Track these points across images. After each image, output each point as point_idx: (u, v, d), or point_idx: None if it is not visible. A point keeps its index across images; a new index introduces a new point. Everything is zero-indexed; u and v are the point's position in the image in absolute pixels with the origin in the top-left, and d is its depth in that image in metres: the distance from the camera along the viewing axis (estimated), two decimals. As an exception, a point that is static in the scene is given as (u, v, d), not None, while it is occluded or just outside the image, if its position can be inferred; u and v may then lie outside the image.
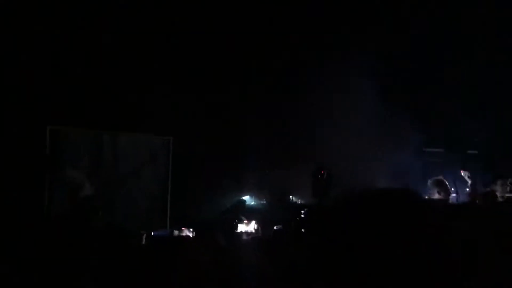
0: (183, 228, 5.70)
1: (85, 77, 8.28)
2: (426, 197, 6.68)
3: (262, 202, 9.39)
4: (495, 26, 9.48)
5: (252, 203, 9.35)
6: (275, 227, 5.39)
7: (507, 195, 6.83)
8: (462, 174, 7.95)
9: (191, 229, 5.59)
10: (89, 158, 8.11)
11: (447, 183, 6.82)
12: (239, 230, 6.02)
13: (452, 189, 8.87)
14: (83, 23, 8.13)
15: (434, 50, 10.00)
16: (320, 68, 8.99)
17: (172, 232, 5.73)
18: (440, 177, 6.71)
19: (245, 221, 6.03)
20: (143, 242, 5.02)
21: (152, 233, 5.26)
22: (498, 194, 6.74)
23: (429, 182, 6.59)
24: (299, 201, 9.48)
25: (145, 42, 8.44)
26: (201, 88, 8.83)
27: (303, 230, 4.27)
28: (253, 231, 5.89)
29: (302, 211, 5.64)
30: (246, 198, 9.33)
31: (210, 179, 8.91)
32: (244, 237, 5.30)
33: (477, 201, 6.77)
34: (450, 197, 7.67)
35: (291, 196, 9.52)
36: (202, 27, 8.77)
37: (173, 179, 8.25)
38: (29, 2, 7.88)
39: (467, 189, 7.94)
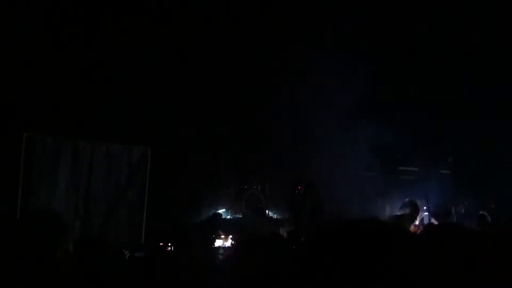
0: (161, 244, 5.62)
1: (63, 84, 8.22)
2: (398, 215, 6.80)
3: (238, 215, 9.40)
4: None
5: (228, 216, 9.37)
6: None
7: None
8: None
9: (169, 244, 5.52)
10: (66, 167, 8.00)
11: (418, 203, 6.96)
12: (216, 244, 6.00)
13: (424, 207, 9.09)
14: (63, 28, 8.09)
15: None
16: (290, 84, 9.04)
17: (153, 249, 5.59)
18: (412, 199, 6.87)
19: (222, 236, 6.01)
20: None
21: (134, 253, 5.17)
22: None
23: (404, 202, 6.73)
24: (275, 216, 9.54)
25: (123, 50, 8.42)
26: (178, 98, 8.84)
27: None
28: (230, 245, 5.86)
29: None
30: (222, 211, 9.35)
31: (186, 191, 8.90)
32: (221, 251, 5.25)
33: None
34: (421, 215, 7.85)
35: (267, 211, 9.56)
36: (174, 36, 8.77)
37: (150, 191, 8.19)
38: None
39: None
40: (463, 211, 10.02)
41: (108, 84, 8.49)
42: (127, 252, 5.35)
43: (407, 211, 6.51)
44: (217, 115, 9.17)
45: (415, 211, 6.55)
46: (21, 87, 7.95)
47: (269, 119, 9.20)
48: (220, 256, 4.78)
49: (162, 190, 8.49)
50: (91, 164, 8.15)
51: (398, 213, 6.58)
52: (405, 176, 11.31)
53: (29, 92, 8.00)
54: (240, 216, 9.32)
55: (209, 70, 8.74)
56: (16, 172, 7.56)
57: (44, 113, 8.12)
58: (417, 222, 6.83)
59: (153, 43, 8.68)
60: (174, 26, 8.72)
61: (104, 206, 7.94)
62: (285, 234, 8.88)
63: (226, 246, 5.87)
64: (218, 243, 6.00)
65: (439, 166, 11.01)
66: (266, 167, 9.55)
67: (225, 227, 7.45)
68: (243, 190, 9.51)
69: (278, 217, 9.49)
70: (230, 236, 5.98)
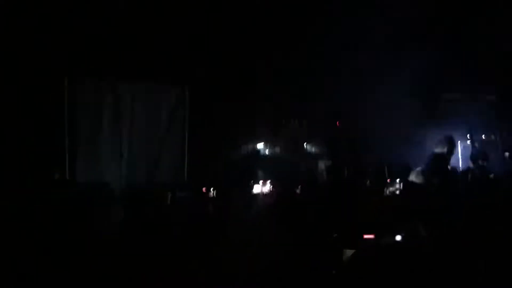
0: (203, 189, 5.75)
1: (99, 27, 8.23)
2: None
3: (276, 150, 9.51)
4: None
5: (267, 151, 9.49)
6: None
7: None
8: None
9: (212, 189, 5.65)
10: (108, 108, 8.19)
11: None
12: (254, 191, 6.10)
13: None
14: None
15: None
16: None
17: (195, 192, 5.75)
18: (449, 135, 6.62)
19: (261, 181, 6.10)
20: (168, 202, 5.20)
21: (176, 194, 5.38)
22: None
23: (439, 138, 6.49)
24: (313, 150, 9.59)
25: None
26: (216, 37, 8.74)
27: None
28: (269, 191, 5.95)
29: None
30: (261, 146, 9.46)
31: (225, 128, 9.01)
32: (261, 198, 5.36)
33: None
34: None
35: (305, 145, 9.61)
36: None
37: (189, 130, 8.35)
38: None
39: None
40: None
41: (145, 24, 8.44)
42: (169, 193, 5.60)
43: (444, 149, 6.30)
44: (254, 52, 9.05)
45: (452, 148, 6.34)
46: (59, 31, 8.02)
47: (307, 52, 9.06)
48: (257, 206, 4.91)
49: (201, 129, 8.61)
50: (132, 105, 8.32)
51: (435, 151, 6.38)
52: (449, 103, 11.03)
53: (67, 35, 8.07)
54: (279, 151, 9.43)
55: (245, 13, 8.56)
56: (60, 116, 7.82)
57: (84, 56, 8.22)
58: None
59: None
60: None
61: (147, 147, 8.16)
62: (323, 168, 9.03)
63: (265, 192, 5.96)
64: (256, 189, 6.09)
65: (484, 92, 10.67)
66: (304, 101, 9.48)
67: (264, 167, 7.55)
68: (282, 124, 9.55)
69: (317, 151, 9.54)
70: (269, 181, 6.05)
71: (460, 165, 10.38)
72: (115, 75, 8.31)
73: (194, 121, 8.52)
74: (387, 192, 5.55)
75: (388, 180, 5.99)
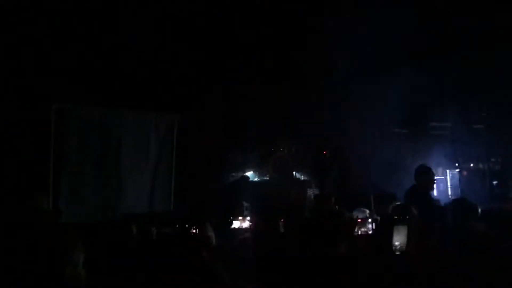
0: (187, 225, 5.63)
1: (88, 54, 8.27)
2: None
3: (265, 178, 9.51)
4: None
5: (256, 179, 9.49)
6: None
7: None
8: None
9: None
10: (95, 135, 8.16)
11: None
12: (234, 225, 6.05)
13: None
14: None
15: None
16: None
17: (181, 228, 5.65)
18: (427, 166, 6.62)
19: (240, 218, 6.05)
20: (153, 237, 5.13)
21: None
22: None
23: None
24: (302, 177, 9.60)
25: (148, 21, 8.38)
26: (205, 65, 8.81)
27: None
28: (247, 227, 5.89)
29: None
30: (249, 174, 9.47)
31: (213, 155, 9.01)
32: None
33: None
34: None
35: (294, 173, 9.62)
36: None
37: (177, 158, 8.33)
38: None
39: None
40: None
41: (134, 52, 8.50)
42: (154, 229, 5.53)
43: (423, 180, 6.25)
44: (244, 81, 9.12)
45: (429, 179, 6.29)
46: (48, 57, 8.04)
47: (296, 82, 9.12)
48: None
49: (189, 156, 8.60)
50: (119, 132, 8.29)
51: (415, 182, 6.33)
52: (437, 131, 11.10)
53: (55, 61, 8.09)
54: (267, 178, 9.42)
55: (233, 43, 8.64)
56: (47, 143, 7.76)
57: (71, 83, 8.23)
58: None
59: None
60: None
61: (134, 175, 8.11)
62: (312, 196, 9.01)
63: (244, 227, 5.91)
64: (236, 224, 6.04)
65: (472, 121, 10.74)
66: (293, 129, 9.52)
67: (251, 194, 7.52)
68: (270, 152, 9.57)
69: (306, 178, 9.55)
70: (248, 218, 5.99)
71: (449, 193, 10.42)
72: (103, 102, 8.31)
73: (182, 150, 8.50)
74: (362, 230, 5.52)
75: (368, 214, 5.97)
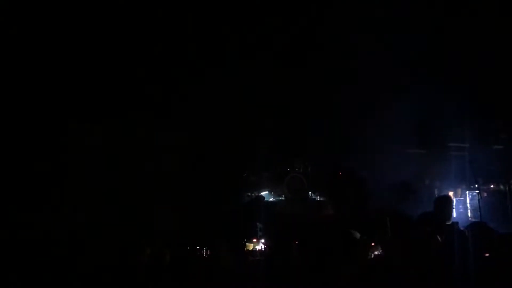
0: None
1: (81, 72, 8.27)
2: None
3: (280, 198, 9.43)
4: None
5: (271, 199, 9.41)
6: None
7: None
8: None
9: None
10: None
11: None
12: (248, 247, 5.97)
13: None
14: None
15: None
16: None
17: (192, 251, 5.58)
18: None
19: (254, 240, 5.99)
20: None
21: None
22: None
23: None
24: (317, 198, 9.49)
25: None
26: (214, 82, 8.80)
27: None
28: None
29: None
30: (264, 194, 9.40)
31: (228, 175, 8.96)
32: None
33: None
34: None
35: (310, 193, 9.52)
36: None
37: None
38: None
39: None
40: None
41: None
42: (167, 252, 5.47)
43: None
44: (259, 97, 9.09)
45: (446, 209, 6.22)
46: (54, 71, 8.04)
47: (310, 101, 9.08)
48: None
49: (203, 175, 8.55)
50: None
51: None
52: (456, 152, 10.92)
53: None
54: (282, 198, 9.34)
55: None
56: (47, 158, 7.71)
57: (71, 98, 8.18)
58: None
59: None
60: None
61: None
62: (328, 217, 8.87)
63: (257, 249, 5.83)
64: (249, 246, 5.96)
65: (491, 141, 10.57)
66: (309, 149, 9.45)
67: (266, 215, 7.43)
68: (286, 172, 9.50)
69: (321, 199, 9.44)
70: (262, 241, 5.92)
71: (469, 215, 10.21)
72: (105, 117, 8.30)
73: (197, 168, 8.48)
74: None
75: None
